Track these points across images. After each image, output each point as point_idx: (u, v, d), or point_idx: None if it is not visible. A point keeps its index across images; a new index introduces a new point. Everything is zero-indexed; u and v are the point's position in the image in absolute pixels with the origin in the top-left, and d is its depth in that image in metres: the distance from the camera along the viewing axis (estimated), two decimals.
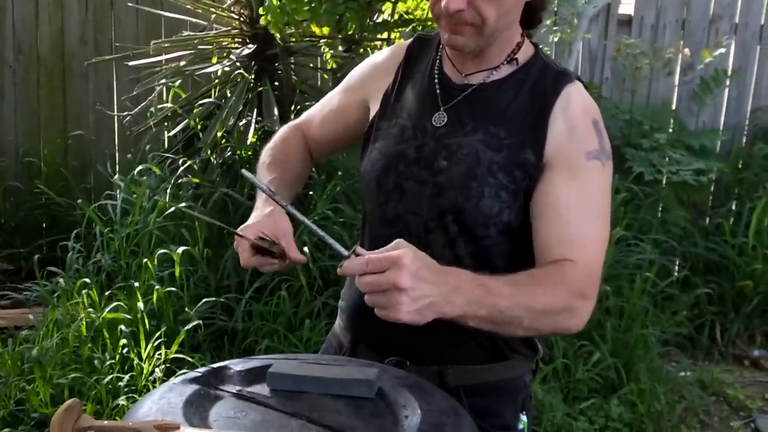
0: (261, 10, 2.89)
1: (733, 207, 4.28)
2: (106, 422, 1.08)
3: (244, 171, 1.29)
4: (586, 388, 3.06)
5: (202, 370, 1.30)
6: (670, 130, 4.32)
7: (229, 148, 3.33)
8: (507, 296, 1.19)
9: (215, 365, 1.32)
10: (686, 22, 4.48)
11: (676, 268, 3.87)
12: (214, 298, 3.01)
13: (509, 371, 1.45)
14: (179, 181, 3.29)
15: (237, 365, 1.32)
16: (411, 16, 3.48)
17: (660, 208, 4.21)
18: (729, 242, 3.90)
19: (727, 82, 4.52)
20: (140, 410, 1.16)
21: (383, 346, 1.44)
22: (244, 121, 3.37)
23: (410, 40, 1.54)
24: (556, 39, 4.23)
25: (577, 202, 1.32)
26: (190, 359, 2.74)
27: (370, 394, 1.22)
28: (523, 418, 1.47)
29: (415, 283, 1.10)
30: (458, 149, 1.37)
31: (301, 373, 1.25)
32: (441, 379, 1.41)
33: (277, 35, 2.94)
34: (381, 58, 1.57)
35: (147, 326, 2.79)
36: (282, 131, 1.63)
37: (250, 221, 1.41)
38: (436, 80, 1.44)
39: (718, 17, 4.49)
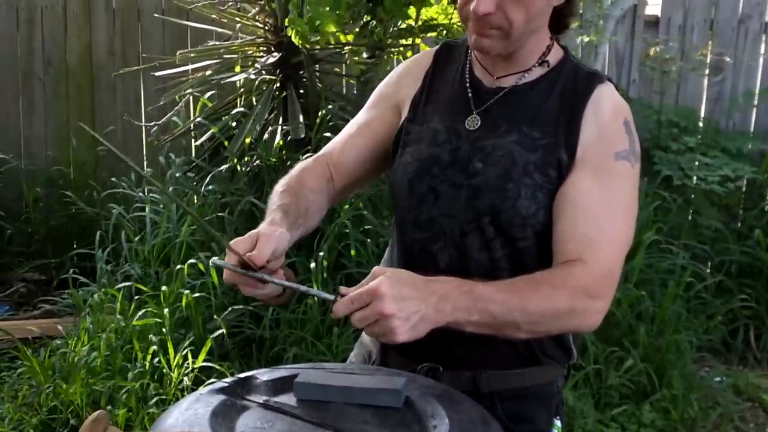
0: (286, 22, 2.90)
1: (766, 208, 4.20)
2: None
3: (213, 260, 1.28)
4: (617, 395, 3.01)
5: (228, 380, 1.30)
6: (699, 135, 4.25)
7: (255, 157, 3.34)
8: (500, 302, 1.21)
9: (242, 375, 1.32)
10: (714, 21, 4.42)
11: (708, 272, 3.81)
12: (242, 306, 3.01)
13: (543, 376, 1.44)
14: (205, 190, 3.30)
15: (264, 375, 1.32)
16: (435, 22, 3.48)
17: (690, 211, 4.15)
18: (763, 245, 3.83)
19: (758, 85, 4.45)
20: (167, 421, 1.16)
21: (414, 353, 1.43)
22: (270, 129, 3.37)
23: (437, 47, 1.54)
24: (583, 42, 4.20)
25: (599, 201, 1.32)
26: (218, 367, 2.75)
27: (398, 403, 1.21)
28: (557, 423, 1.46)
29: (399, 305, 1.14)
30: (493, 151, 1.38)
31: (328, 382, 1.25)
32: (475, 385, 1.40)
33: (303, 44, 2.94)
34: (406, 67, 1.57)
35: (175, 334, 2.80)
36: (301, 162, 1.55)
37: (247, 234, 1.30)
38: (467, 84, 1.45)
39: (747, 16, 4.42)
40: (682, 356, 3.16)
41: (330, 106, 3.34)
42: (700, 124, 4.39)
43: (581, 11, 4.06)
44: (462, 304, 1.19)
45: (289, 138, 3.29)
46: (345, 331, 2.93)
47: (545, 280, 1.27)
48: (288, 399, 1.24)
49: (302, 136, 3.20)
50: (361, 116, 1.57)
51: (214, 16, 3.72)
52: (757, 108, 4.49)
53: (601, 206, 1.32)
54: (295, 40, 2.88)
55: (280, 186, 1.44)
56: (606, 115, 1.37)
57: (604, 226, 1.32)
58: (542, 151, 1.36)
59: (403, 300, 1.14)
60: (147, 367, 2.73)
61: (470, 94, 1.44)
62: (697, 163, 4.11)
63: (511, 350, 1.41)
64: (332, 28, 2.80)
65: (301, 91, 3.53)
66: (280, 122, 3.37)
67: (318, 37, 2.89)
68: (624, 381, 3.03)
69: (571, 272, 1.28)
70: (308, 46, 2.96)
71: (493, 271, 1.37)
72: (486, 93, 1.43)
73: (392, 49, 3.42)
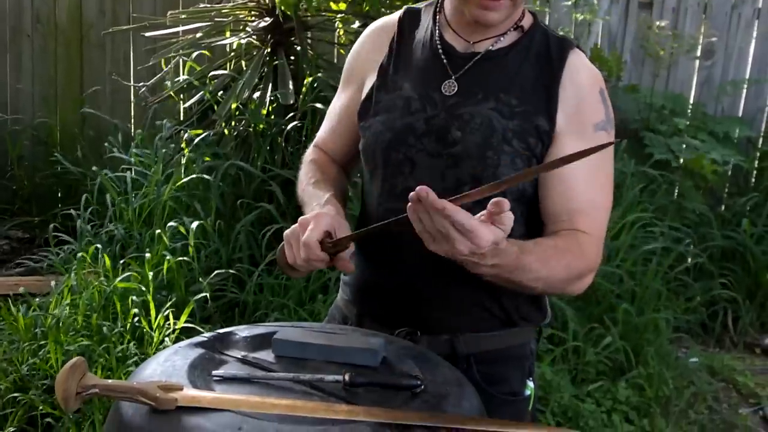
0: None
1: (752, 194, 4.24)
2: (110, 381, 1.09)
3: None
4: (594, 371, 3.05)
5: (208, 335, 1.31)
6: (688, 121, 4.27)
7: (243, 121, 3.33)
8: (534, 271, 1.26)
9: (221, 330, 1.33)
10: (708, 6, 4.42)
11: (690, 254, 3.84)
12: (226, 270, 3.01)
13: (517, 338, 1.47)
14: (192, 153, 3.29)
15: (243, 331, 1.32)
16: None
17: (676, 194, 4.17)
18: (748, 232, 3.86)
19: (748, 70, 4.46)
20: (145, 371, 1.17)
21: (392, 319, 1.44)
22: (258, 95, 3.35)
23: (399, 12, 1.51)
24: (577, 20, 4.19)
25: (585, 172, 1.34)
26: (200, 329, 2.75)
27: (375, 362, 1.22)
28: (530, 384, 1.49)
29: (475, 254, 1.16)
30: (471, 119, 1.37)
31: (305, 340, 1.25)
32: (452, 348, 1.42)
33: (286, 11, 2.92)
34: (370, 36, 1.54)
35: (156, 296, 2.80)
36: (306, 157, 1.59)
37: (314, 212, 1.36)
38: (439, 49, 1.43)
39: (740, 2, 4.43)
40: (659, 336, 3.20)
41: (319, 74, 3.32)
42: (689, 109, 4.40)
43: None
44: (507, 266, 1.22)
45: (276, 104, 3.27)
46: (328, 297, 2.94)
47: (567, 248, 1.32)
48: (266, 355, 1.25)
49: (291, 102, 3.19)
50: (337, 101, 1.58)
51: None
52: (746, 94, 4.51)
53: (587, 177, 1.36)
54: (282, 7, 2.86)
55: (306, 182, 1.51)
56: (583, 85, 1.39)
57: (594, 197, 1.37)
58: (520, 118, 1.37)
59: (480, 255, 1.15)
60: (128, 327, 2.73)
61: (444, 60, 1.42)
62: (685, 146, 4.13)
63: (488, 314, 1.43)
64: None
65: (292, 57, 3.50)
66: (270, 88, 3.35)
67: (306, 4, 2.86)
68: (601, 358, 3.06)
69: (581, 242, 1.34)
70: (289, 12, 2.93)
71: None
72: (460, 58, 1.42)
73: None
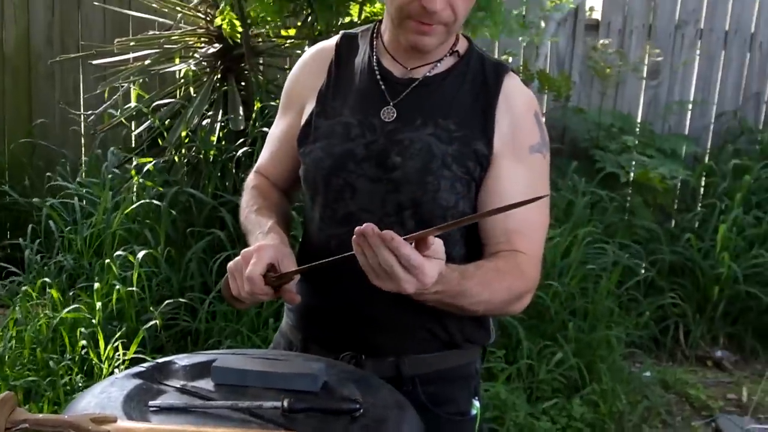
0: (217, 14, 2.89)
1: (699, 210, 4.33)
2: (41, 415, 1.07)
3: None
4: (549, 389, 3.07)
5: (146, 365, 1.29)
6: (636, 139, 4.36)
7: (193, 148, 3.31)
8: (475, 295, 1.30)
9: (160, 360, 1.32)
10: (653, 27, 4.53)
11: (642, 270, 3.90)
12: (177, 299, 2.98)
13: (462, 358, 1.48)
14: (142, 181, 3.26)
15: (182, 360, 1.31)
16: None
17: (626, 211, 4.25)
18: (695, 246, 3.93)
19: (693, 90, 4.58)
20: (80, 404, 1.15)
21: (336, 343, 1.45)
22: (208, 121, 3.34)
23: (336, 38, 1.52)
24: (524, 42, 4.26)
25: (522, 193, 1.36)
26: (151, 360, 2.71)
27: (315, 388, 1.22)
28: (476, 403, 1.50)
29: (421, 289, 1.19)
30: (410, 144, 1.38)
31: (245, 367, 1.25)
32: (397, 370, 1.43)
33: (232, 36, 2.94)
34: (307, 61, 1.55)
35: (107, 327, 2.76)
36: (247, 183, 1.59)
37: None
38: (377, 75, 1.44)
39: (683, 23, 4.55)
40: (612, 351, 3.23)
41: (272, 101, 3.32)
42: (637, 128, 4.49)
43: (524, 13, 4.12)
44: (449, 292, 1.24)
45: (225, 130, 3.26)
46: (280, 323, 2.92)
47: (508, 270, 1.35)
48: (205, 384, 1.24)
49: (241, 128, 3.18)
50: (277, 126, 1.58)
51: (155, 5, 3.67)
52: (692, 113, 4.62)
53: (525, 198, 1.36)
54: (226, 33, 2.88)
55: (249, 209, 1.50)
56: (519, 109, 1.42)
57: (530, 217, 1.39)
58: (459, 143, 1.39)
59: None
60: (76, 359, 2.68)
61: (383, 86, 1.43)
62: (634, 162, 4.21)
63: (432, 336, 1.44)
64: (269, 16, 2.79)
65: (242, 83, 3.50)
66: (220, 114, 3.34)
67: (255, 30, 2.88)
68: (555, 375, 3.08)
69: (520, 262, 1.36)
70: (235, 38, 2.95)
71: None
72: (398, 84, 1.43)
73: None
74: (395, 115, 1.41)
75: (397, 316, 1.41)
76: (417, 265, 1.13)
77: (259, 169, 1.62)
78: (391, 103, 1.42)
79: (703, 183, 4.49)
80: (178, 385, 1.23)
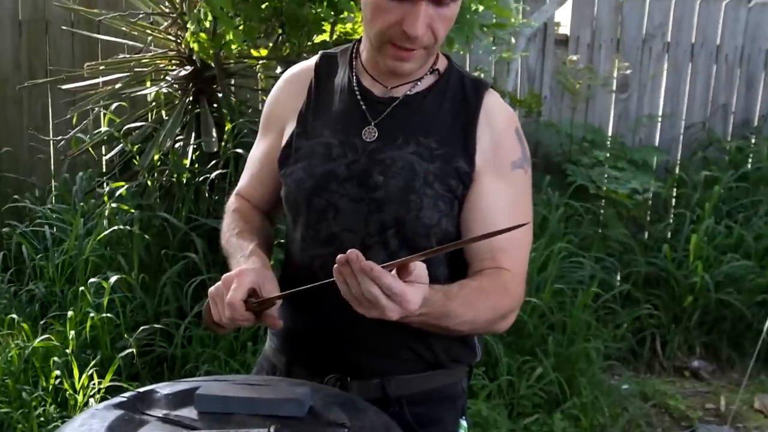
0: (188, 35, 2.87)
1: (671, 221, 4.38)
2: None
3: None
4: (530, 404, 3.06)
5: (127, 394, 1.26)
6: (608, 153, 4.40)
7: (166, 171, 3.28)
8: (460, 316, 1.28)
9: (141, 389, 1.29)
10: (621, 41, 4.59)
11: (618, 282, 3.93)
12: (152, 325, 2.94)
13: (448, 377, 1.47)
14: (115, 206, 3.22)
15: (164, 389, 1.28)
16: (351, 37, 3.50)
17: (600, 224, 4.28)
18: (668, 256, 3.97)
19: (662, 102, 4.64)
20: None
21: (321, 365, 1.43)
22: (181, 144, 3.31)
23: (315, 58, 1.52)
24: (495, 58, 4.29)
25: (505, 210, 1.37)
26: (127, 387, 2.66)
27: (301, 413, 1.20)
28: (464, 423, 1.49)
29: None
30: (393, 163, 1.38)
31: (229, 394, 1.22)
32: (383, 391, 1.41)
33: (204, 57, 2.93)
34: (287, 82, 1.54)
35: (81, 355, 2.71)
36: (228, 206, 1.58)
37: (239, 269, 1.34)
38: (358, 95, 1.44)
39: (651, 36, 4.62)
40: (591, 365, 3.24)
41: (243, 120, 3.30)
42: (608, 141, 4.54)
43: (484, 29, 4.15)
44: (434, 314, 1.24)
45: (198, 153, 3.24)
46: (259, 347, 2.89)
47: (492, 289, 1.34)
48: (189, 412, 1.21)
49: (215, 150, 3.16)
50: (257, 148, 1.57)
51: (124, 28, 3.64)
52: (662, 125, 4.68)
53: (508, 214, 1.37)
54: (196, 52, 2.86)
55: (230, 233, 1.48)
56: (499, 125, 1.42)
57: (515, 234, 1.35)
58: (440, 160, 1.38)
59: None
60: (49, 389, 2.63)
61: (363, 106, 1.43)
62: (606, 176, 4.25)
63: (417, 356, 1.43)
64: (238, 40, 2.79)
65: (214, 105, 3.48)
66: (192, 136, 3.31)
67: (226, 51, 2.87)
68: (536, 390, 3.08)
69: (505, 280, 1.35)
70: (207, 59, 2.94)
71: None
72: (379, 103, 1.42)
73: None
74: (376, 135, 1.40)
75: (381, 337, 1.39)
76: (399, 292, 1.12)
77: (240, 192, 1.60)
78: (373, 123, 1.41)
79: (674, 194, 4.54)
80: (161, 415, 1.20)
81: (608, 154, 4.40)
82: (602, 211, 4.32)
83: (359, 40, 1.49)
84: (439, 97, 1.43)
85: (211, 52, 2.86)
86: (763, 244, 4.05)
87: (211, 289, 1.32)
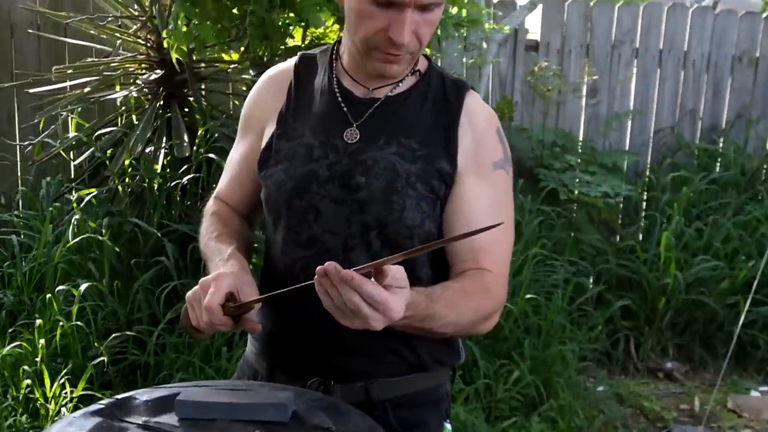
0: (164, 34, 2.84)
1: (642, 224, 4.42)
2: None
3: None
4: (507, 407, 3.06)
5: (105, 401, 1.23)
6: (579, 158, 4.44)
7: (137, 177, 3.23)
8: (443, 317, 1.27)
9: (120, 396, 1.25)
10: (590, 47, 4.63)
11: (591, 285, 3.95)
12: (124, 333, 2.89)
13: (432, 380, 1.46)
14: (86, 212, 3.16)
15: (143, 395, 1.25)
16: (324, 41, 3.48)
17: (572, 228, 4.30)
18: (640, 258, 4.00)
19: (631, 107, 4.69)
20: None
21: (303, 369, 1.41)
22: (152, 149, 3.27)
23: (294, 59, 1.50)
24: (467, 64, 4.31)
25: (487, 210, 1.37)
26: (100, 396, 2.61)
27: (285, 417, 1.18)
28: (448, 426, 1.49)
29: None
30: (375, 164, 1.37)
31: (210, 399, 1.20)
32: (367, 395, 1.40)
33: (180, 58, 2.89)
34: (265, 84, 1.53)
35: (52, 364, 2.65)
36: (207, 210, 1.56)
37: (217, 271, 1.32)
38: (338, 97, 1.42)
39: (619, 42, 4.66)
40: (567, 367, 3.25)
41: (215, 124, 3.27)
42: (579, 145, 4.58)
43: (465, 35, 4.16)
44: (417, 317, 1.22)
45: (170, 158, 3.19)
46: (234, 352, 2.85)
47: (475, 290, 1.33)
48: (169, 419, 1.19)
49: (187, 154, 3.12)
50: (236, 150, 1.55)
51: (93, 32, 3.58)
52: (631, 129, 4.73)
53: (490, 215, 1.36)
54: (173, 52, 2.83)
55: (208, 236, 1.47)
56: (481, 126, 1.41)
57: (497, 235, 1.35)
58: (422, 161, 1.37)
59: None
60: (20, 399, 2.56)
61: (344, 107, 1.41)
62: (578, 180, 4.28)
63: (401, 359, 1.42)
64: (209, 38, 2.76)
65: (186, 109, 3.44)
66: (164, 141, 3.27)
67: (201, 53, 2.84)
68: (513, 394, 3.08)
69: (487, 281, 1.35)
70: (184, 60, 2.90)
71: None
72: (360, 105, 1.41)
73: None
74: (358, 136, 1.39)
75: (364, 339, 1.36)
76: (381, 301, 1.10)
77: (219, 195, 1.58)
78: (354, 125, 1.40)
79: (645, 197, 4.58)
80: (140, 422, 1.17)
81: (579, 159, 4.43)
82: (574, 215, 4.35)
83: (339, 41, 1.48)
84: (420, 98, 1.42)
85: (185, 48, 2.82)
86: (731, 246, 4.11)
87: (189, 293, 1.30)
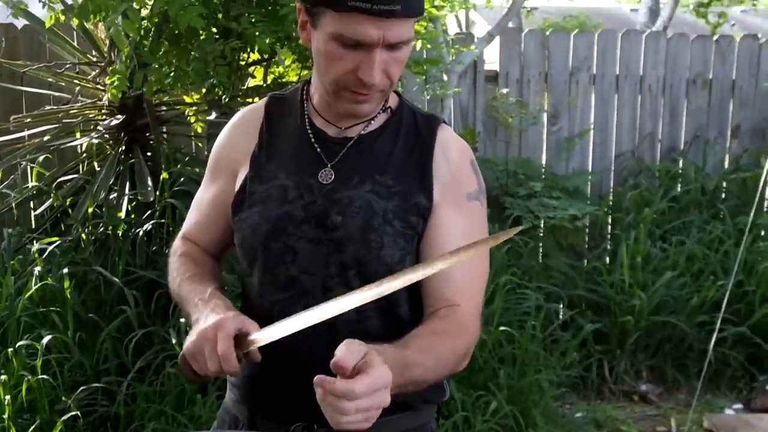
0: (107, 79, 2.83)
1: (608, 247, 4.45)
2: None
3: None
4: None
5: None
6: (542, 183, 4.48)
7: (101, 224, 3.17)
8: (420, 364, 1.22)
9: None
10: (548, 75, 4.70)
11: (561, 311, 3.96)
12: (92, 384, 2.82)
13: (418, 418, 1.44)
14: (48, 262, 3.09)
15: None
16: (285, 80, 3.48)
17: (540, 254, 4.32)
18: (607, 281, 4.03)
19: (591, 133, 4.76)
20: None
21: (286, 413, 1.38)
22: (115, 195, 3.22)
23: (264, 100, 1.50)
24: (428, 96, 4.34)
25: (461, 242, 1.33)
26: None
27: None
28: None
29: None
30: (350, 203, 1.36)
31: None
32: None
33: (116, 95, 2.89)
34: (235, 125, 1.52)
35: (18, 420, 2.57)
36: (175, 249, 1.54)
37: (215, 319, 1.28)
38: (311, 137, 1.42)
39: (577, 69, 4.74)
40: (544, 395, 3.24)
41: (176, 168, 3.24)
42: (542, 172, 4.62)
43: (425, 67, 4.20)
44: (395, 374, 1.15)
45: (134, 203, 3.15)
46: (207, 399, 2.80)
47: (448, 331, 1.29)
48: None
49: (151, 199, 3.08)
50: (205, 192, 1.53)
51: (50, 79, 3.55)
52: (593, 154, 4.79)
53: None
54: (112, 96, 2.83)
55: (179, 277, 1.45)
56: (454, 159, 1.41)
57: (470, 268, 1.36)
58: (398, 198, 1.37)
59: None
60: None
61: (318, 148, 1.41)
62: (543, 206, 4.31)
63: None
64: (164, 85, 2.75)
65: (149, 153, 3.41)
66: (127, 187, 3.23)
67: (150, 95, 2.82)
68: (492, 425, 3.06)
69: (459, 318, 1.32)
70: (116, 98, 2.90)
71: (360, 324, 1.35)
72: (334, 144, 1.41)
73: (240, 108, 3.37)
74: (333, 177, 1.38)
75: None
76: (365, 389, 1.07)
77: (186, 235, 1.56)
78: (329, 165, 1.39)
79: (609, 221, 4.63)
80: None
81: (542, 186, 4.47)
82: (541, 244, 4.38)
83: (308, 82, 1.47)
84: (393, 134, 1.42)
85: (127, 88, 2.81)
86: (696, 265, 4.16)
87: (188, 347, 1.27)
